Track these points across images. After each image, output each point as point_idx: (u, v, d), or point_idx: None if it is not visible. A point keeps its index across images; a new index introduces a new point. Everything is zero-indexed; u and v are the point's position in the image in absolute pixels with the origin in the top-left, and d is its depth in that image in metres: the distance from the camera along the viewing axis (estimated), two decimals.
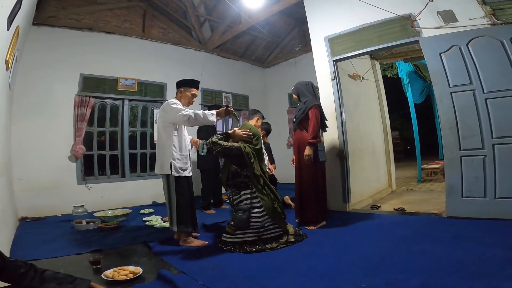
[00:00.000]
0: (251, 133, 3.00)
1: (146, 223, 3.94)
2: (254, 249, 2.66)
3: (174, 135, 2.94)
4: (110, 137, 5.68)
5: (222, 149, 2.81)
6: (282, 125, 7.67)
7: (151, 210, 4.84)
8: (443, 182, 4.64)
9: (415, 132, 6.72)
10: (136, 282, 2.09)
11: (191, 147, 3.27)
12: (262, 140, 3.22)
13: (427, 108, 9.13)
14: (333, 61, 4.37)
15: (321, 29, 4.50)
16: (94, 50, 5.31)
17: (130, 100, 5.77)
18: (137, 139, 6.08)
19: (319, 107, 3.50)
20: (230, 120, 7.17)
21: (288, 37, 7.94)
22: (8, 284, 1.51)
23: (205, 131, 4.59)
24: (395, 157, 6.55)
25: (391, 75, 8.17)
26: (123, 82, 5.58)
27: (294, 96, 3.73)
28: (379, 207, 4.32)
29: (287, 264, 2.32)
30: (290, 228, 2.98)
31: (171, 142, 2.92)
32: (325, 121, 3.69)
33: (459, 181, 3.32)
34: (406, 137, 16.68)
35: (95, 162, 5.39)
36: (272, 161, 4.69)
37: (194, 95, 3.12)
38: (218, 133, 3.06)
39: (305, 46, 7.14)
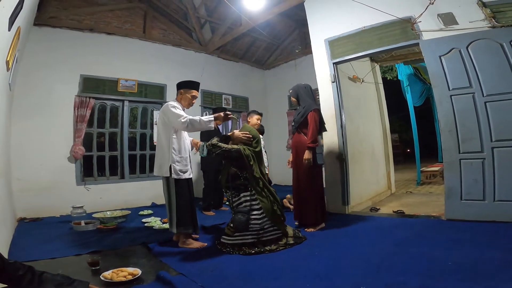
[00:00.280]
0: (251, 136, 3.00)
1: (145, 224, 3.93)
2: (253, 251, 2.66)
3: (174, 137, 2.94)
4: (110, 138, 5.68)
5: (221, 151, 2.81)
6: (281, 127, 7.66)
7: (150, 211, 4.84)
8: (442, 185, 4.65)
9: (414, 134, 6.73)
10: (135, 283, 2.09)
11: (192, 148, 3.27)
12: (261, 143, 3.22)
13: (426, 111, 9.15)
14: (333, 63, 4.38)
15: (322, 31, 4.51)
16: (94, 51, 5.32)
17: (130, 101, 5.77)
18: (136, 140, 6.08)
19: (318, 111, 3.52)
20: (229, 122, 7.18)
21: (288, 39, 7.96)
22: (6, 286, 1.51)
23: (207, 132, 4.59)
24: (395, 160, 6.56)
25: (391, 78, 8.19)
26: (123, 83, 5.58)
27: (293, 99, 3.74)
28: (378, 209, 4.32)
29: (287, 266, 2.32)
30: (290, 230, 2.98)
31: (171, 144, 2.91)
32: (324, 125, 3.69)
33: (458, 184, 3.33)
34: (405, 139, 16.71)
35: (95, 163, 5.38)
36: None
37: (194, 97, 3.12)
38: (218, 135, 3.06)
39: (305, 48, 7.15)
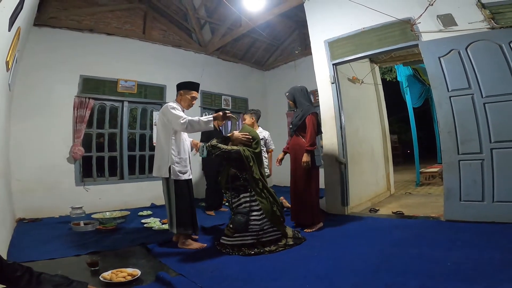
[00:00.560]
0: (250, 137, 3.00)
1: (145, 225, 3.93)
2: (253, 252, 2.66)
3: (173, 138, 2.94)
4: (109, 138, 5.68)
5: (221, 152, 2.81)
6: (281, 128, 7.66)
7: (149, 212, 4.83)
8: (441, 186, 4.66)
9: (413, 136, 6.73)
10: (135, 284, 2.09)
11: (191, 149, 3.27)
12: (261, 144, 3.23)
13: (425, 112, 9.16)
14: (333, 64, 4.38)
15: (321, 32, 4.52)
16: (94, 52, 5.32)
17: (129, 102, 5.76)
18: (136, 141, 6.07)
19: (316, 115, 3.58)
20: (229, 123, 7.18)
21: (288, 40, 7.97)
22: (4, 287, 1.51)
23: (208, 133, 4.59)
24: (394, 161, 6.57)
25: (390, 79, 8.20)
26: (123, 84, 5.58)
27: (290, 101, 3.79)
28: (378, 210, 4.32)
29: (286, 267, 2.32)
30: (289, 231, 2.98)
31: (170, 146, 2.91)
32: (320, 128, 3.75)
33: (457, 185, 3.33)
34: (404, 140, 16.71)
35: (94, 164, 5.38)
36: None
37: (194, 98, 3.12)
38: (218, 136, 3.06)
39: (305, 49, 7.16)
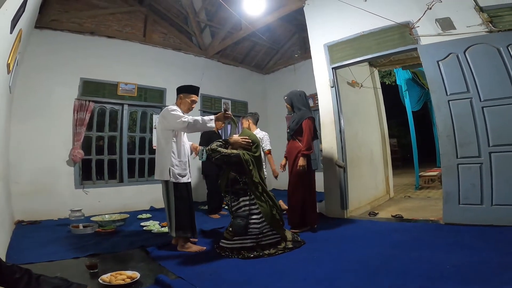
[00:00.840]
0: (250, 140, 3.01)
1: (144, 228, 3.92)
2: (252, 255, 2.66)
3: (173, 141, 2.95)
4: (109, 142, 5.68)
5: (221, 156, 2.82)
6: (281, 131, 7.62)
7: (149, 215, 4.82)
8: (440, 189, 4.67)
9: (412, 139, 6.74)
10: (134, 287, 2.09)
11: (191, 153, 3.28)
12: (261, 148, 3.24)
13: (424, 116, 9.18)
14: (332, 68, 4.40)
15: (321, 36, 4.54)
16: (95, 54, 5.33)
17: (129, 105, 5.77)
18: (136, 144, 6.07)
19: (312, 119, 3.63)
20: (229, 127, 7.18)
21: (287, 43, 8.00)
22: None
23: (207, 137, 4.60)
24: (393, 165, 6.57)
25: (390, 82, 8.23)
26: (123, 87, 5.59)
27: (287, 105, 3.84)
28: (377, 214, 4.33)
29: (285, 270, 2.32)
30: (288, 235, 2.98)
31: (170, 148, 2.92)
32: (317, 132, 3.80)
33: (456, 189, 3.34)
34: (404, 144, 16.70)
35: (93, 167, 5.37)
36: None
37: (193, 101, 3.13)
38: (218, 140, 3.07)
39: (305, 53, 7.19)
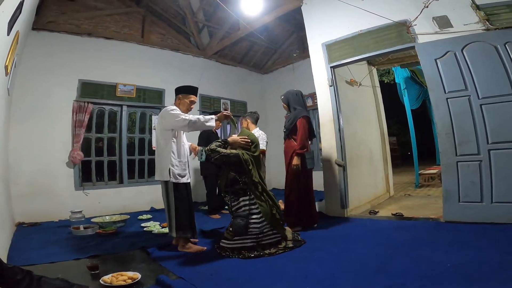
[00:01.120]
0: (249, 140, 3.02)
1: (144, 228, 3.92)
2: (253, 255, 2.66)
3: (173, 141, 2.95)
4: (108, 143, 5.68)
5: (220, 156, 2.82)
6: (280, 131, 7.57)
7: (149, 216, 4.81)
8: (440, 187, 4.67)
9: (412, 137, 6.75)
10: (135, 287, 2.09)
11: (190, 153, 3.28)
12: (259, 148, 3.24)
13: (423, 114, 9.19)
14: (331, 67, 4.41)
15: (319, 35, 4.55)
16: (93, 56, 5.33)
17: (128, 106, 5.77)
18: (135, 145, 6.08)
19: (307, 118, 3.63)
20: (228, 127, 7.19)
21: (286, 43, 8.00)
22: None
23: (205, 137, 4.59)
24: (393, 163, 6.58)
25: (388, 81, 8.24)
26: (122, 88, 5.59)
27: (284, 105, 3.87)
28: (377, 212, 4.33)
29: (286, 269, 2.32)
30: (289, 234, 2.99)
31: (170, 149, 2.92)
32: (313, 131, 3.80)
33: (455, 186, 3.35)
34: (403, 142, 16.72)
35: (93, 168, 5.37)
36: None
37: (192, 102, 3.13)
38: (217, 140, 3.08)
39: (303, 52, 7.19)
